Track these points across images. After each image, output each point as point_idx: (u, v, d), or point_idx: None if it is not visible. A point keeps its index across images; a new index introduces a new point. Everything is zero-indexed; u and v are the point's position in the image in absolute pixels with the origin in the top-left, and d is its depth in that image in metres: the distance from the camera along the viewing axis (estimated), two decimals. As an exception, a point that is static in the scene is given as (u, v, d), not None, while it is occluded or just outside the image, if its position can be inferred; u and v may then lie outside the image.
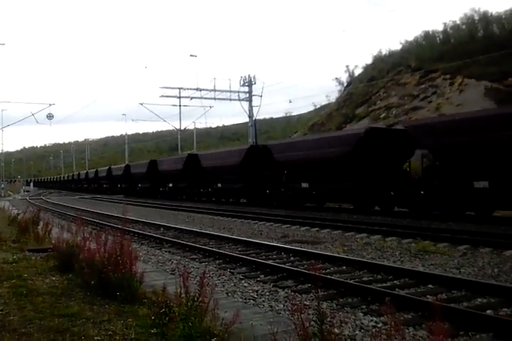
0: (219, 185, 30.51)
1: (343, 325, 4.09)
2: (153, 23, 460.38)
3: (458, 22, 47.01)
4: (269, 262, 9.09)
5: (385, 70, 47.20)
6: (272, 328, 3.84)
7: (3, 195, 51.50)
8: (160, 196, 40.10)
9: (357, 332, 5.18)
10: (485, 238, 11.35)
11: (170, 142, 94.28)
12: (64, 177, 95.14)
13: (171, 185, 37.96)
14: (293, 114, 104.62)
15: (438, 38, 48.38)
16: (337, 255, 9.67)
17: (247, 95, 42.45)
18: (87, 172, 69.41)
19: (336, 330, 3.58)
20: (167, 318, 4.25)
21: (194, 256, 10.47)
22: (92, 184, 64.16)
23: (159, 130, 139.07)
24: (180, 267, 8.60)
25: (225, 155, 30.54)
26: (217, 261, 9.74)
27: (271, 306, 6.30)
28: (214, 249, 10.88)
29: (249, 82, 42.17)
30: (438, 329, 2.72)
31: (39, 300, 5.68)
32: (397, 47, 54.55)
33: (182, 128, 53.53)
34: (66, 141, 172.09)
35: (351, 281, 7.28)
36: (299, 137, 36.79)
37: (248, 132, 43.30)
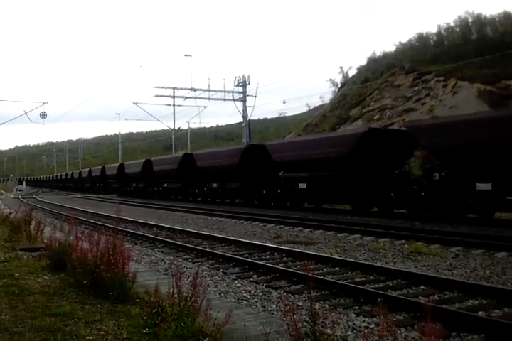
0: (301, 185, 22.67)
1: (335, 325, 4.09)
2: (148, 22, 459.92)
3: (452, 24, 47.30)
4: (262, 262, 9.09)
5: (379, 72, 47.36)
6: (265, 328, 3.85)
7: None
8: (200, 199, 32.97)
9: (349, 332, 5.19)
10: (477, 240, 11.41)
11: (164, 142, 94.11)
12: (59, 176, 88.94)
13: (215, 185, 30.61)
14: (287, 114, 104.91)
15: (432, 40, 48.64)
16: (330, 256, 9.67)
17: (241, 95, 42.43)
18: (90, 170, 60.66)
19: (329, 331, 3.59)
20: (159, 318, 4.23)
21: (187, 256, 10.46)
22: (96, 183, 56.93)
23: (153, 129, 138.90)
24: (173, 267, 8.58)
25: (315, 143, 22.40)
26: (210, 262, 9.74)
27: (264, 306, 6.30)
28: (207, 249, 10.88)
29: (243, 83, 42.16)
30: (430, 330, 2.73)
31: (31, 299, 5.65)
32: (391, 48, 54.85)
33: (176, 128, 53.51)
34: (59, 140, 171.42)
35: (344, 282, 7.30)
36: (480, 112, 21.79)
37: (242, 132, 43.29)
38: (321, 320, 3.46)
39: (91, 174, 59.39)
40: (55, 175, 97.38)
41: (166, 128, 59.07)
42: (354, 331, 5.25)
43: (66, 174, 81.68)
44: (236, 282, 7.81)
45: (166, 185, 37.45)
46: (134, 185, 44.62)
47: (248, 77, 42.21)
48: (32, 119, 44.01)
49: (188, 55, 45.68)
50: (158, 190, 39.79)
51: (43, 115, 43.28)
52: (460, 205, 16.24)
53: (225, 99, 43.16)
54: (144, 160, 43.49)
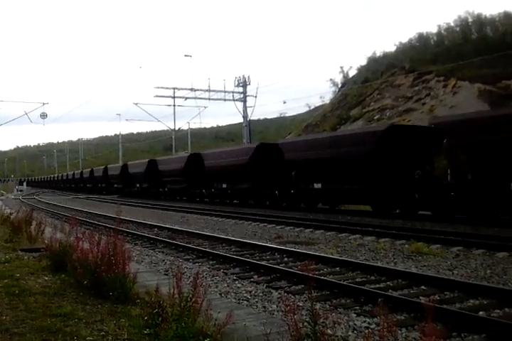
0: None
1: (336, 325, 4.08)
2: (148, 22, 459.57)
3: (452, 24, 47.37)
4: (263, 263, 9.08)
5: (379, 72, 47.40)
6: (265, 329, 3.85)
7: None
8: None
9: (350, 333, 5.19)
10: (478, 240, 11.40)
11: (164, 142, 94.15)
12: (62, 176, 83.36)
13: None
14: (287, 114, 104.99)
15: (432, 40, 48.68)
16: (330, 256, 9.66)
17: (242, 96, 42.43)
18: (124, 166, 46.48)
19: (329, 331, 3.59)
20: (160, 318, 4.23)
21: (188, 257, 10.46)
22: (139, 184, 42.56)
23: (153, 130, 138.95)
24: (173, 267, 8.58)
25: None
26: (211, 262, 9.73)
27: (264, 307, 6.30)
28: (208, 250, 10.87)
29: (243, 83, 42.15)
30: (431, 331, 2.73)
31: (31, 300, 5.66)
32: (391, 48, 54.94)
33: (176, 128, 53.54)
34: (60, 141, 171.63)
35: (344, 282, 7.29)
36: None
37: (242, 132, 43.28)
38: (321, 320, 3.46)
39: (126, 171, 45.30)
40: (57, 175, 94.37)
41: (166, 128, 59.09)
42: (355, 331, 5.24)
43: (75, 173, 71.88)
44: (237, 282, 7.81)
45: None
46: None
47: (248, 78, 42.27)
48: (32, 120, 44.06)
49: (188, 56, 45.72)
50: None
51: (44, 116, 43.29)
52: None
53: (225, 100, 43.19)
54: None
